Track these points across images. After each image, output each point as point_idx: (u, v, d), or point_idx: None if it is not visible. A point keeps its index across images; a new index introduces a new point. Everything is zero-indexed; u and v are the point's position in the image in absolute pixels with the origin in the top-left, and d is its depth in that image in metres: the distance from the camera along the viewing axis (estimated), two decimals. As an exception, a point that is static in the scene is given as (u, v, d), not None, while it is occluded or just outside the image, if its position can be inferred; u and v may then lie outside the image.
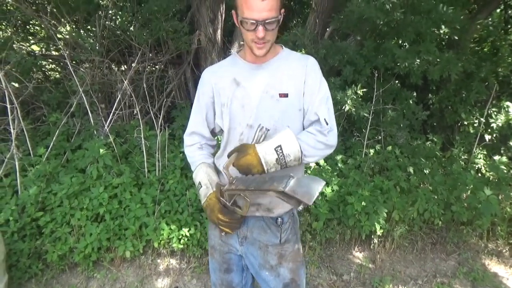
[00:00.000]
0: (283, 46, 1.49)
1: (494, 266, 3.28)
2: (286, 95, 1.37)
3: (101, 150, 3.08)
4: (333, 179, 3.43)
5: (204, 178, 1.45)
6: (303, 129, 1.42)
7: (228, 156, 1.35)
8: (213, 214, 1.39)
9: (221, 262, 1.61)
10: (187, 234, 2.92)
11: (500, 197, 3.49)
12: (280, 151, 1.25)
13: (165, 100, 4.31)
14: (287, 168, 1.33)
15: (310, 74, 1.38)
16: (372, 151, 3.83)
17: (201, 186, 1.44)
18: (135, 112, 3.82)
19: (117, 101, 3.63)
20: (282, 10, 1.30)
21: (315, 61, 1.43)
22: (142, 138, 3.30)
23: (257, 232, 1.51)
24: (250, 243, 1.53)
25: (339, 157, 3.70)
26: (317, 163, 3.55)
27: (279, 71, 1.39)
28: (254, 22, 1.25)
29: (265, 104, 1.37)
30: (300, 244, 1.58)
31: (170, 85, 4.55)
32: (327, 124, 1.34)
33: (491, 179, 3.77)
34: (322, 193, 3.29)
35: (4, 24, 4.13)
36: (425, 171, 3.69)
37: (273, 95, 1.37)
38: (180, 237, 2.93)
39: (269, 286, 1.54)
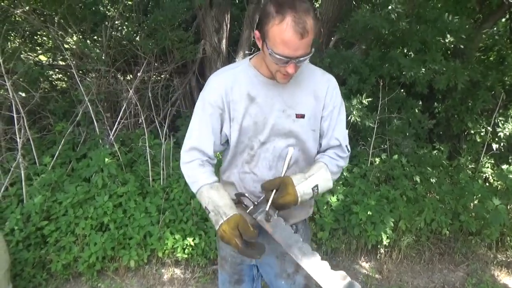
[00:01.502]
0: None
1: (503, 277, 3.23)
2: (303, 116, 1.33)
3: (106, 159, 3.08)
4: (339, 188, 3.41)
5: (209, 203, 1.29)
6: (316, 146, 1.41)
7: (263, 188, 1.30)
8: (231, 243, 1.25)
9: (232, 273, 1.58)
10: (192, 243, 2.91)
11: (508, 207, 3.46)
12: (316, 190, 1.29)
13: (170, 109, 4.32)
14: None
15: (331, 98, 1.36)
16: (378, 160, 3.82)
17: (209, 212, 1.30)
18: (140, 121, 3.84)
19: (122, 110, 3.65)
20: (313, 49, 1.22)
21: (336, 83, 1.38)
22: (147, 147, 3.30)
23: (273, 241, 1.45)
24: (266, 253, 1.48)
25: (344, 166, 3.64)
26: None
27: (297, 90, 1.32)
28: (287, 59, 1.15)
29: (281, 123, 1.32)
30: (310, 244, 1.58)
31: (175, 94, 4.57)
32: (348, 151, 1.40)
33: (499, 188, 3.73)
34: (327, 203, 3.28)
35: (12, 34, 4.20)
36: (431, 180, 3.66)
37: (290, 114, 1.32)
38: (184, 246, 2.92)
39: None
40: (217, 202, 1.27)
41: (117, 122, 3.58)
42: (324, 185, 1.31)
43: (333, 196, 3.32)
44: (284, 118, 1.32)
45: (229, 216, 1.23)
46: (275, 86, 1.31)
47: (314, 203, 1.61)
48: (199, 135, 1.35)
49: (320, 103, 1.34)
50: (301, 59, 1.15)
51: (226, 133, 1.38)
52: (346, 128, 1.44)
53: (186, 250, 2.92)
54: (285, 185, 1.25)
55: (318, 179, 1.29)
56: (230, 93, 1.32)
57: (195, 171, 1.35)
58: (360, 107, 3.43)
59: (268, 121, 1.31)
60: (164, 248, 2.88)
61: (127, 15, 4.28)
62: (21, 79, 3.40)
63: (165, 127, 3.44)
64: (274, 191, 1.26)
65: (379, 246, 3.29)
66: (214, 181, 1.35)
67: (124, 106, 3.68)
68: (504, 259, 3.46)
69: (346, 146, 1.39)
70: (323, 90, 1.34)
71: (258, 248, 1.24)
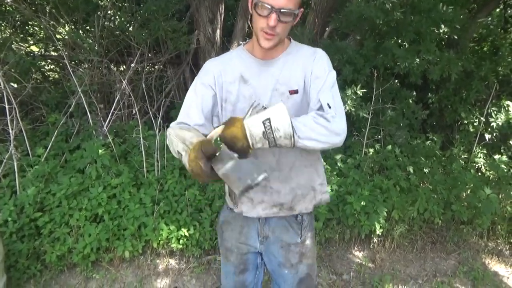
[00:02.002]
0: (292, 39, 1.44)
1: (494, 265, 3.28)
2: (296, 91, 1.33)
3: (99, 151, 3.08)
4: (333, 178, 3.43)
5: (178, 144, 1.20)
6: None
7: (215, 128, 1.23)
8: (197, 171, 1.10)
9: (238, 264, 1.59)
10: (186, 234, 2.92)
11: (500, 196, 3.48)
12: (268, 124, 1.10)
13: (164, 100, 4.30)
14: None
15: (316, 64, 1.33)
16: (371, 150, 3.84)
17: (181, 155, 1.18)
18: (134, 112, 3.82)
19: (116, 101, 3.62)
20: (301, 10, 1.26)
21: (324, 53, 1.38)
22: (141, 138, 3.29)
23: (279, 231, 1.51)
24: (271, 242, 1.53)
25: (338, 156, 3.70)
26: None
27: (287, 67, 1.34)
28: (269, 7, 1.19)
29: (275, 102, 1.29)
30: (315, 239, 1.61)
31: (169, 85, 4.53)
32: (329, 108, 1.22)
33: (491, 178, 3.76)
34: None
35: (3, 24, 4.13)
36: (424, 170, 3.69)
37: (283, 92, 1.33)
38: (179, 237, 2.94)
39: (286, 282, 1.56)
40: (184, 136, 1.19)
41: (110, 113, 3.56)
42: (279, 119, 1.10)
43: (327, 186, 3.33)
44: (278, 97, 1.33)
45: (194, 143, 1.13)
46: (267, 66, 1.35)
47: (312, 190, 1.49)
48: (188, 112, 1.35)
49: (308, 73, 1.33)
50: (283, 10, 1.19)
51: (218, 116, 1.40)
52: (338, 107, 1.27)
53: (181, 241, 2.94)
54: (233, 119, 1.15)
55: (270, 112, 1.10)
56: (223, 75, 1.36)
57: (175, 131, 1.26)
58: (354, 97, 3.43)
59: (262, 102, 1.33)
60: (159, 239, 2.89)
61: (120, 4, 4.22)
62: (12, 69, 3.36)
63: (159, 118, 3.43)
64: (222, 126, 1.16)
65: (372, 236, 3.32)
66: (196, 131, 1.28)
67: (117, 97, 3.65)
68: (494, 247, 3.51)
69: (328, 104, 1.23)
70: (310, 60, 1.34)
71: (225, 157, 1.08)
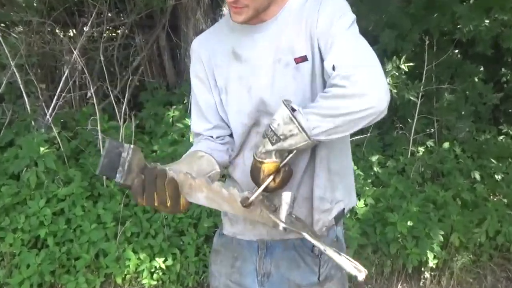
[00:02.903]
0: None
1: None
2: (304, 58, 1.30)
3: (41, 148, 3.07)
4: (367, 188, 3.42)
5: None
6: None
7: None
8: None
9: None
10: (163, 266, 2.92)
11: None
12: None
13: (130, 78, 4.17)
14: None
15: (322, 13, 1.26)
16: (421, 149, 3.81)
17: None
18: (88, 95, 3.84)
19: (63, 79, 3.61)
20: None
21: None
22: (99, 132, 3.28)
23: (285, 267, 1.48)
24: (274, 282, 1.49)
25: (374, 158, 3.69)
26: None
27: (288, 28, 1.32)
28: None
29: (281, 79, 1.32)
30: (347, 282, 1.55)
31: (137, 57, 4.52)
32: (333, 70, 1.14)
33: None
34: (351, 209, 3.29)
35: None
36: (496, 177, 3.67)
37: (288, 62, 1.32)
38: (152, 269, 2.93)
39: None
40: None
41: (56, 97, 3.54)
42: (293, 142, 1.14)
43: (359, 200, 3.35)
44: (281, 70, 1.33)
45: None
46: (262, 31, 1.35)
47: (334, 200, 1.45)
48: (193, 116, 1.49)
49: (314, 28, 1.27)
50: None
51: (221, 115, 1.45)
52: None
53: (155, 275, 2.93)
54: (254, 169, 1.24)
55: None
56: (212, 57, 1.40)
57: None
58: (397, 74, 3.42)
59: (263, 81, 1.35)
60: (124, 272, 2.88)
61: None
62: None
63: (124, 103, 3.44)
64: (264, 185, 1.21)
65: (423, 269, 3.31)
66: (192, 150, 1.40)
67: (65, 74, 3.63)
68: None
69: (333, 65, 1.16)
70: (315, 10, 1.28)
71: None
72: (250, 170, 1.24)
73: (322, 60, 1.25)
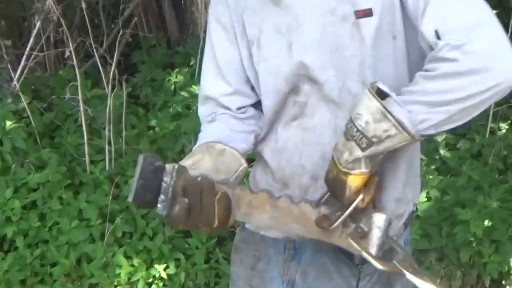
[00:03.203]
0: None
1: None
2: (369, 13, 1.24)
3: (7, 123, 3.17)
4: (431, 177, 3.46)
5: None
6: (411, 73, 1.26)
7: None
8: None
9: None
10: (163, 274, 3.02)
11: None
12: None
13: (120, 32, 4.14)
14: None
15: None
16: (504, 125, 3.88)
17: None
18: (66, 54, 3.79)
19: (34, 33, 3.70)
20: None
21: None
22: (80, 102, 3.32)
23: (313, 276, 1.49)
24: None
25: (441, 138, 3.70)
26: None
27: None
28: None
29: (332, 36, 1.28)
30: None
31: (129, 4, 4.54)
32: (438, 37, 1.08)
33: None
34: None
35: None
36: None
37: (345, 15, 1.25)
38: (150, 279, 3.05)
39: None
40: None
41: (24, 56, 3.65)
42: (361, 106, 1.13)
43: (421, 192, 3.11)
44: (336, 25, 1.28)
45: None
46: None
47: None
48: (208, 75, 1.48)
49: None
50: None
51: (248, 74, 1.44)
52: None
53: (154, 287, 3.05)
54: (334, 180, 1.26)
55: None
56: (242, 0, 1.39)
57: (201, 134, 1.44)
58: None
59: (308, 37, 1.32)
60: (114, 283, 3.00)
61: None
62: None
63: (113, 65, 3.50)
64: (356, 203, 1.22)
65: (504, 282, 3.35)
66: (209, 141, 1.36)
67: (36, 27, 3.71)
68: None
69: (436, 31, 1.08)
70: None
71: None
72: (328, 180, 1.25)
73: (403, 18, 1.24)
